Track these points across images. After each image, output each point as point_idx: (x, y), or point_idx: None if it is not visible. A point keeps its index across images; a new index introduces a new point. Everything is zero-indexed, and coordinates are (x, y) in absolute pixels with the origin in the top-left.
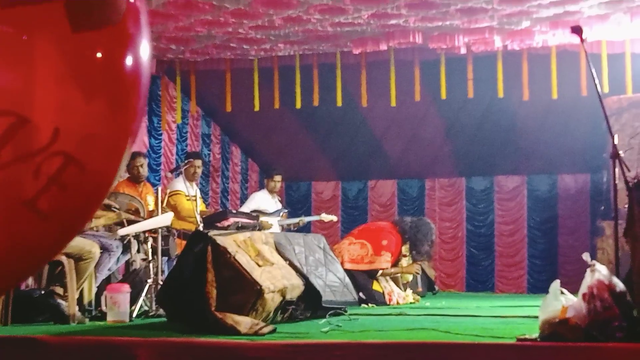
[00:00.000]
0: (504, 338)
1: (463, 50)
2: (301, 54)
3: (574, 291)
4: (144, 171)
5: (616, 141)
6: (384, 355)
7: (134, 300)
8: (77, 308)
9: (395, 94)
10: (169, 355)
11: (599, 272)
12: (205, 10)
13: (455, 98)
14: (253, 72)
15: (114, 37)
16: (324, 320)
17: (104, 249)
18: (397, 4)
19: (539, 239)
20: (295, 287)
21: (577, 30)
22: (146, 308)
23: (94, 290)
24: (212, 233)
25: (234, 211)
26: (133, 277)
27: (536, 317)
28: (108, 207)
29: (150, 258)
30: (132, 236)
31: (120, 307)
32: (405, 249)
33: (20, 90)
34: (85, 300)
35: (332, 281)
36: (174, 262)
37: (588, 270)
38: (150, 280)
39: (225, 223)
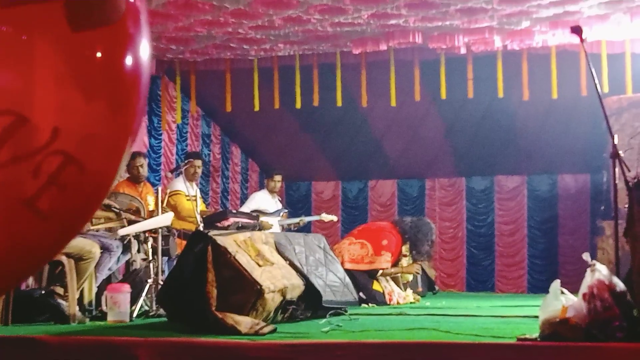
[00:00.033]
0: (504, 338)
1: (463, 50)
2: (301, 54)
3: (574, 291)
4: (144, 171)
5: (616, 141)
6: (384, 355)
7: (134, 300)
8: (77, 308)
9: (395, 94)
10: (170, 355)
11: (599, 271)
12: (205, 10)
13: (455, 98)
14: (253, 72)
15: (114, 37)
16: (324, 320)
17: (104, 248)
18: (397, 4)
19: (539, 238)
20: (295, 287)
21: (577, 30)
22: (146, 308)
23: (94, 290)
24: (212, 233)
25: (234, 211)
26: (133, 277)
27: (536, 316)
28: (108, 207)
29: (150, 258)
30: (133, 236)
31: (121, 307)
32: (405, 248)
33: (19, 89)
34: (86, 300)
35: (332, 281)
36: (174, 262)
37: (588, 270)
38: (150, 280)
39: (226, 223)
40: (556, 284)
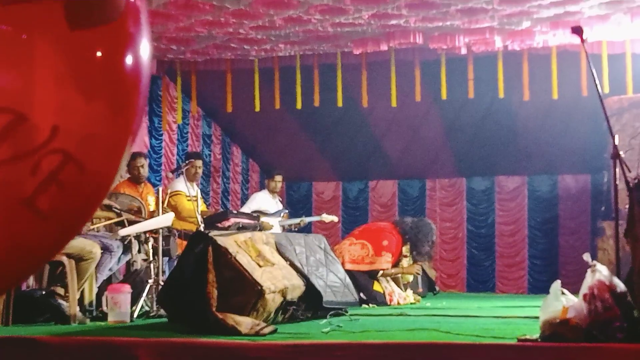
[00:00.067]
0: (505, 338)
1: (464, 51)
2: (302, 55)
3: (575, 291)
4: (145, 172)
5: (617, 141)
6: (385, 355)
7: (134, 301)
8: (78, 308)
9: (396, 94)
10: (170, 356)
11: (600, 272)
12: (205, 10)
13: (456, 98)
14: (254, 72)
15: (114, 37)
16: (324, 320)
17: (105, 249)
18: (398, 5)
19: (540, 239)
20: (296, 287)
21: (577, 30)
22: (147, 308)
23: (95, 290)
24: (212, 233)
25: (235, 212)
26: (134, 278)
27: (537, 317)
28: (109, 208)
29: (151, 258)
30: (133, 236)
31: (121, 307)
32: (405, 249)
33: (18, 88)
34: (86, 301)
35: (332, 281)
36: (175, 263)
37: (589, 270)
38: (151, 281)
39: (226, 223)
40: (557, 285)
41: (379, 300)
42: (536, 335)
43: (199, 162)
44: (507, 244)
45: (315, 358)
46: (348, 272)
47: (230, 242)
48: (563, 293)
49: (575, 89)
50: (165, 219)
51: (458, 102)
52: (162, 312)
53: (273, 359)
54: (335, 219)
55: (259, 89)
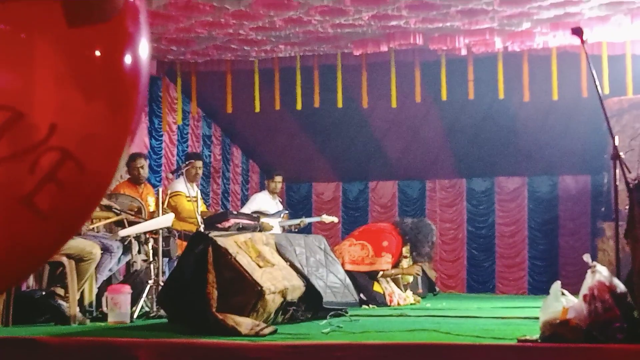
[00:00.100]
0: (505, 339)
1: (464, 52)
2: (302, 55)
3: (575, 292)
4: (145, 172)
5: (617, 142)
6: (385, 356)
7: (134, 301)
8: (77, 309)
9: (396, 95)
10: (170, 356)
11: (600, 273)
12: (205, 11)
13: (456, 99)
14: (254, 73)
15: (113, 36)
16: (324, 321)
17: (105, 249)
18: (398, 6)
19: (540, 240)
20: (296, 288)
21: (577, 31)
22: (147, 309)
23: (95, 291)
24: (212, 234)
25: (235, 212)
26: (134, 278)
27: (537, 318)
28: (109, 208)
29: (151, 259)
30: (133, 237)
31: (121, 308)
32: (405, 250)
33: (16, 87)
34: (86, 301)
35: (332, 282)
36: (175, 263)
37: (589, 271)
38: (151, 281)
39: (226, 224)
40: (557, 285)
41: (379, 300)
42: (536, 336)
43: (199, 163)
44: (507, 245)
45: (315, 359)
46: (348, 272)
47: (230, 242)
48: (563, 294)
49: (575, 90)
50: (165, 220)
51: (458, 103)
52: (162, 312)
53: (273, 359)
54: (335, 219)
55: (259, 89)
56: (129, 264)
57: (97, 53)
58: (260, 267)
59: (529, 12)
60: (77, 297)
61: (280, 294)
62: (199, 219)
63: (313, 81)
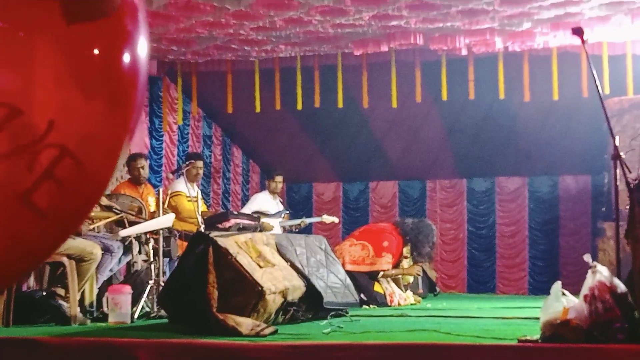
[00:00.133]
0: (505, 339)
1: (464, 52)
2: (302, 55)
3: (575, 292)
4: (145, 173)
5: (617, 142)
6: (385, 356)
7: (135, 302)
8: (78, 309)
9: (397, 95)
10: (170, 357)
11: (600, 273)
12: (206, 11)
13: (456, 99)
14: (254, 73)
15: (112, 34)
16: (325, 321)
17: (106, 250)
18: (398, 6)
19: (540, 240)
20: (296, 288)
21: (578, 31)
22: (147, 309)
23: (96, 291)
24: (213, 234)
25: (235, 212)
26: (134, 279)
27: (537, 318)
28: (109, 209)
29: (151, 259)
30: (134, 237)
31: (122, 308)
32: (406, 250)
33: (15, 84)
34: (87, 302)
35: (333, 282)
36: (175, 263)
37: (589, 271)
38: (151, 282)
39: (227, 224)
40: (557, 286)
41: (380, 301)
42: (537, 336)
43: (200, 163)
44: (507, 245)
45: (315, 359)
46: (348, 273)
47: (230, 242)
48: (564, 294)
49: (575, 90)
50: (166, 220)
51: (458, 103)
52: (162, 313)
53: (273, 359)
54: (335, 220)
55: (259, 89)
56: (129, 264)
57: (96, 51)
58: (260, 267)
59: (529, 12)
60: (78, 297)
61: (281, 294)
62: (200, 219)
63: (313, 81)
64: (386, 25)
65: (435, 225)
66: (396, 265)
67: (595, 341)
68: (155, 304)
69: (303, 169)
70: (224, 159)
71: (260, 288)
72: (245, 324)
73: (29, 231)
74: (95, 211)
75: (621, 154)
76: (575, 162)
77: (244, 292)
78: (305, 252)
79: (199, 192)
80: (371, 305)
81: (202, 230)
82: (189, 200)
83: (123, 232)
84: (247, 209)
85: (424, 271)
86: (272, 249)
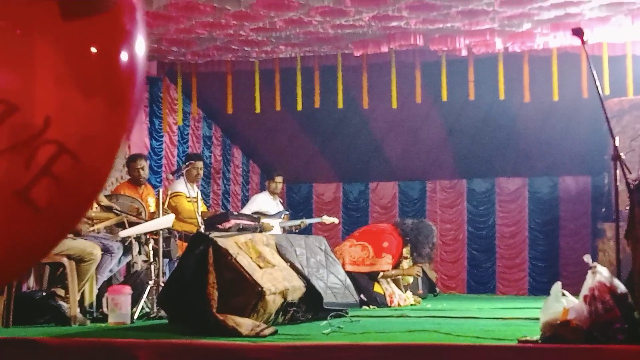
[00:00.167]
0: (506, 340)
1: (464, 52)
2: (302, 56)
3: (575, 293)
4: (145, 173)
5: (617, 143)
6: (385, 357)
7: (135, 302)
8: (78, 310)
9: (397, 95)
10: (170, 357)
11: (600, 274)
12: (206, 12)
13: (457, 100)
14: (254, 74)
15: (110, 32)
16: (325, 322)
17: (105, 250)
18: (398, 6)
19: (540, 240)
20: (296, 288)
21: (578, 32)
22: (147, 310)
23: (95, 292)
24: (213, 235)
25: (235, 213)
26: (134, 279)
27: (537, 319)
28: (109, 209)
29: (151, 260)
30: (134, 238)
31: (122, 308)
32: (406, 251)
33: (11, 81)
34: (87, 302)
35: (333, 283)
36: (175, 264)
37: (589, 272)
38: (151, 282)
39: (227, 225)
40: (557, 286)
41: (380, 301)
42: (537, 337)
43: (200, 164)
44: (507, 246)
45: (315, 359)
46: (348, 273)
47: (230, 243)
48: (564, 294)
49: (575, 91)
50: (166, 221)
51: (458, 104)
52: (162, 313)
53: None
54: (335, 220)
55: (259, 90)
56: (129, 265)
57: (94, 49)
58: (260, 267)
59: (529, 12)
60: (78, 297)
61: (281, 295)
62: (200, 219)
63: (313, 82)
64: (386, 26)
65: (435, 225)
66: (396, 266)
67: (595, 342)
68: (155, 305)
69: (303, 170)
70: (224, 160)
71: (260, 288)
72: (245, 324)
73: (26, 228)
74: (96, 211)
75: (621, 154)
76: (575, 163)
77: (244, 292)
78: (305, 253)
79: (199, 192)
80: (371, 306)
81: (202, 231)
82: (188, 201)
83: (123, 233)
84: (247, 210)
85: (423, 272)
86: (272, 249)
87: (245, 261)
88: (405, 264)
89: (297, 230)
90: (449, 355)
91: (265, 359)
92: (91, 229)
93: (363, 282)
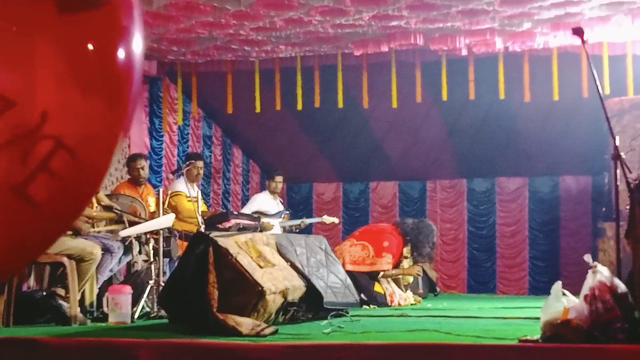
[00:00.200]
0: (506, 339)
1: (464, 52)
2: (302, 56)
3: (576, 292)
4: (145, 173)
5: (617, 143)
6: (386, 356)
7: (135, 302)
8: (78, 309)
9: (397, 95)
10: (171, 357)
11: (601, 273)
12: (206, 11)
13: (457, 99)
14: (254, 73)
15: (107, 29)
16: (325, 321)
17: (106, 250)
18: (398, 6)
19: (541, 240)
20: (296, 288)
21: (578, 31)
22: (148, 309)
23: (96, 291)
24: (213, 234)
25: (236, 212)
26: (134, 279)
27: (538, 318)
28: (109, 209)
29: (151, 259)
30: (134, 237)
31: (122, 308)
32: (406, 250)
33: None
34: (87, 302)
35: (333, 282)
36: (176, 264)
37: (589, 271)
38: (151, 282)
39: (227, 224)
40: (557, 286)
41: (380, 301)
42: (537, 336)
43: (201, 163)
44: (507, 245)
45: (316, 359)
46: (349, 273)
47: (231, 243)
48: (564, 294)
49: (576, 90)
50: (166, 220)
51: (459, 103)
52: (162, 313)
53: (274, 359)
54: (336, 220)
55: (259, 90)
56: (129, 265)
57: (91, 46)
58: (261, 267)
59: (529, 12)
60: (78, 297)
61: (281, 294)
62: (200, 219)
63: (314, 81)
64: (386, 26)
65: (435, 225)
66: (396, 266)
67: (596, 341)
68: (155, 304)
69: (303, 169)
70: (224, 159)
71: (260, 288)
72: (245, 324)
73: (24, 223)
74: (96, 210)
75: (621, 154)
76: (575, 163)
77: (244, 292)
78: (306, 252)
79: (199, 192)
80: (371, 306)
81: (202, 231)
82: (189, 200)
83: (123, 232)
84: (247, 209)
85: (424, 271)
86: (272, 249)
87: (245, 261)
88: (406, 263)
89: (297, 230)
90: (450, 354)
91: (265, 359)
92: (92, 229)
93: (363, 281)
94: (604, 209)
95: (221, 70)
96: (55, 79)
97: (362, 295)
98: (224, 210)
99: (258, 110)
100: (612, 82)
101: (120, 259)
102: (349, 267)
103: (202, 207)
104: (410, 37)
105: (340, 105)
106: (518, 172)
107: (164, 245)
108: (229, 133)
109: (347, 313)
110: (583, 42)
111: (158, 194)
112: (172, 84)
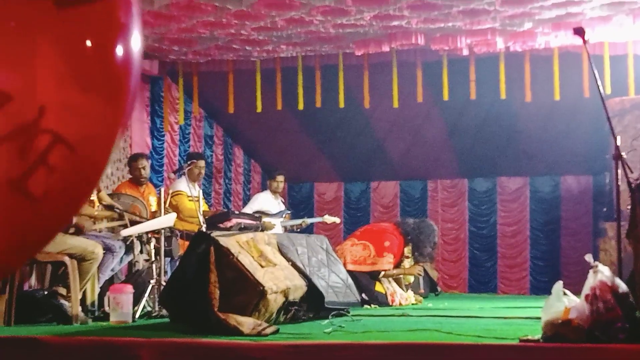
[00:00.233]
0: (507, 339)
1: (465, 52)
2: (304, 56)
3: (577, 292)
4: (146, 173)
5: (619, 142)
6: (386, 356)
7: (136, 301)
8: (80, 309)
9: (398, 95)
10: (172, 356)
11: (602, 273)
12: (207, 11)
13: (458, 99)
14: (255, 73)
15: (106, 25)
16: (326, 321)
17: (107, 249)
18: (400, 6)
19: (542, 240)
20: (298, 287)
21: (579, 31)
22: (149, 309)
23: (97, 290)
24: (214, 234)
25: (237, 212)
26: (136, 278)
27: (539, 318)
28: (111, 208)
29: (153, 259)
30: (135, 237)
31: (123, 307)
32: (407, 250)
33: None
34: (88, 301)
35: (334, 282)
36: (177, 263)
37: (590, 271)
38: (153, 281)
39: (228, 224)
40: (559, 286)
41: (381, 300)
42: (538, 336)
43: (202, 163)
44: (508, 245)
45: (317, 358)
46: (350, 272)
47: (232, 242)
48: (565, 294)
49: (577, 90)
50: (168, 220)
51: (460, 103)
52: (164, 312)
53: (275, 359)
54: (337, 220)
55: (260, 89)
56: (131, 264)
57: (89, 42)
58: (262, 266)
59: (530, 12)
60: (80, 296)
61: (282, 294)
62: (201, 218)
63: (315, 81)
64: (387, 26)
65: (436, 225)
66: (397, 265)
67: (597, 341)
68: (156, 304)
69: (304, 169)
70: (225, 159)
71: (261, 287)
72: (246, 323)
73: (23, 218)
74: (98, 210)
75: (622, 154)
76: (576, 162)
77: (246, 291)
78: (307, 252)
79: (201, 191)
80: (372, 305)
81: (204, 230)
82: (190, 200)
83: (125, 232)
84: (249, 209)
85: (425, 271)
86: (274, 248)
87: (246, 260)
88: (407, 263)
89: (298, 230)
90: (451, 354)
91: (266, 358)
92: (93, 228)
93: (364, 281)
94: (605, 209)
95: (222, 70)
96: (53, 76)
97: (363, 295)
98: (225, 210)
99: (259, 110)
100: (613, 82)
101: (121, 258)
102: (350, 267)
103: (204, 206)
104: (412, 37)
105: (342, 105)
106: (519, 172)
107: (165, 245)
108: (230, 133)
109: (348, 313)
110: (584, 42)
111: (159, 194)
112: (173, 84)
